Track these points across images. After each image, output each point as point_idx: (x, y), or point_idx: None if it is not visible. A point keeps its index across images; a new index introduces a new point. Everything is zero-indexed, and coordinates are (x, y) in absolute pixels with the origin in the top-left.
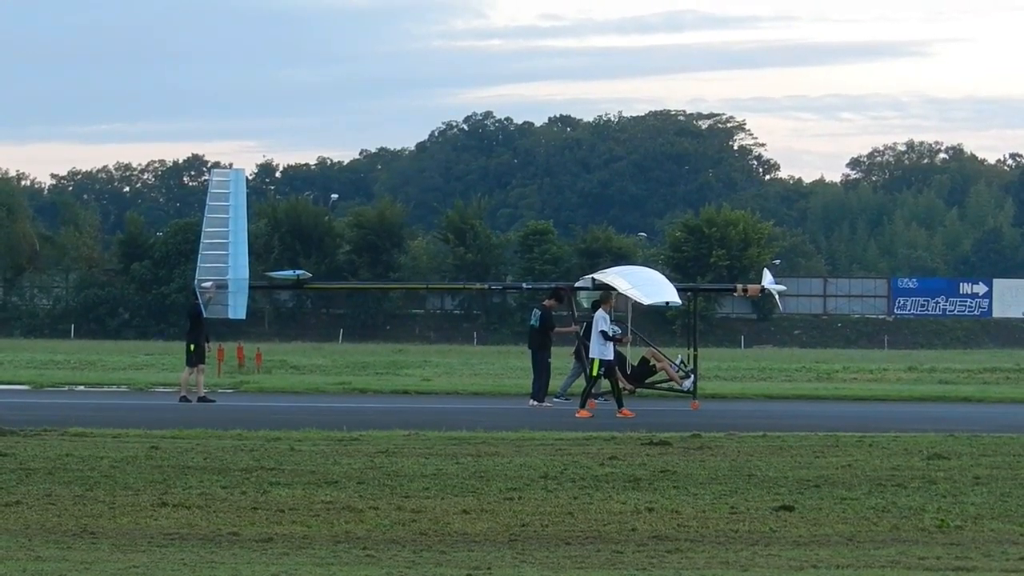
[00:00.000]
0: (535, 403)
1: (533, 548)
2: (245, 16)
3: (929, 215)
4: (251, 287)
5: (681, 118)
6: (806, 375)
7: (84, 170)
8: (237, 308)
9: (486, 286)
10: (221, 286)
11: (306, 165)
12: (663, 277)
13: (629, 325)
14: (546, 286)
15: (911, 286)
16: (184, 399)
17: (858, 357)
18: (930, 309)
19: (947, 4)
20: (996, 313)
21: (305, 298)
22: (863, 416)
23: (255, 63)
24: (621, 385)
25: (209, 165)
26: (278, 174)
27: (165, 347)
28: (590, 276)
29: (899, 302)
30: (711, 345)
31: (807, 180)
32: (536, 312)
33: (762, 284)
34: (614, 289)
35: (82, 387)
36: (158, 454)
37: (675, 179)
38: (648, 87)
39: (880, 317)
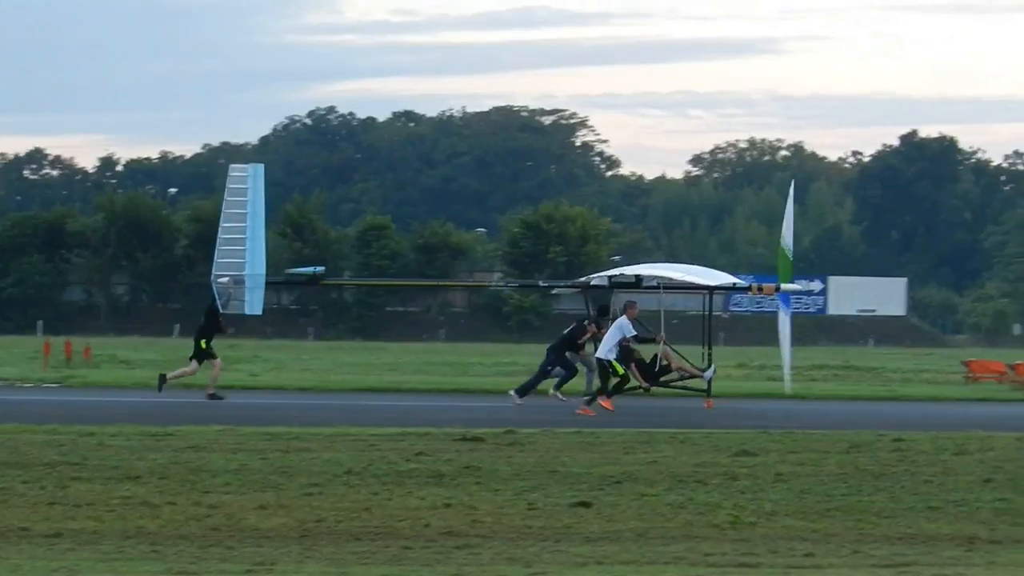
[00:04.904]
0: (555, 394)
1: (322, 544)
2: (93, 8)
3: (770, 212)
4: (267, 283)
5: (524, 114)
6: None
7: None
8: (254, 304)
9: (494, 283)
10: (239, 281)
11: (148, 159)
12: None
13: (662, 323)
14: (562, 284)
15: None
16: (214, 396)
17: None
18: (765, 306)
19: (798, 2)
20: (832, 310)
21: (141, 292)
22: (686, 412)
23: (105, 56)
24: (637, 383)
25: (50, 159)
26: (119, 167)
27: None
28: (605, 274)
29: (735, 299)
30: None
31: (649, 177)
32: (575, 326)
33: (776, 284)
34: (657, 287)
35: None
36: None
37: (517, 175)
38: (498, 83)
39: (715, 314)
